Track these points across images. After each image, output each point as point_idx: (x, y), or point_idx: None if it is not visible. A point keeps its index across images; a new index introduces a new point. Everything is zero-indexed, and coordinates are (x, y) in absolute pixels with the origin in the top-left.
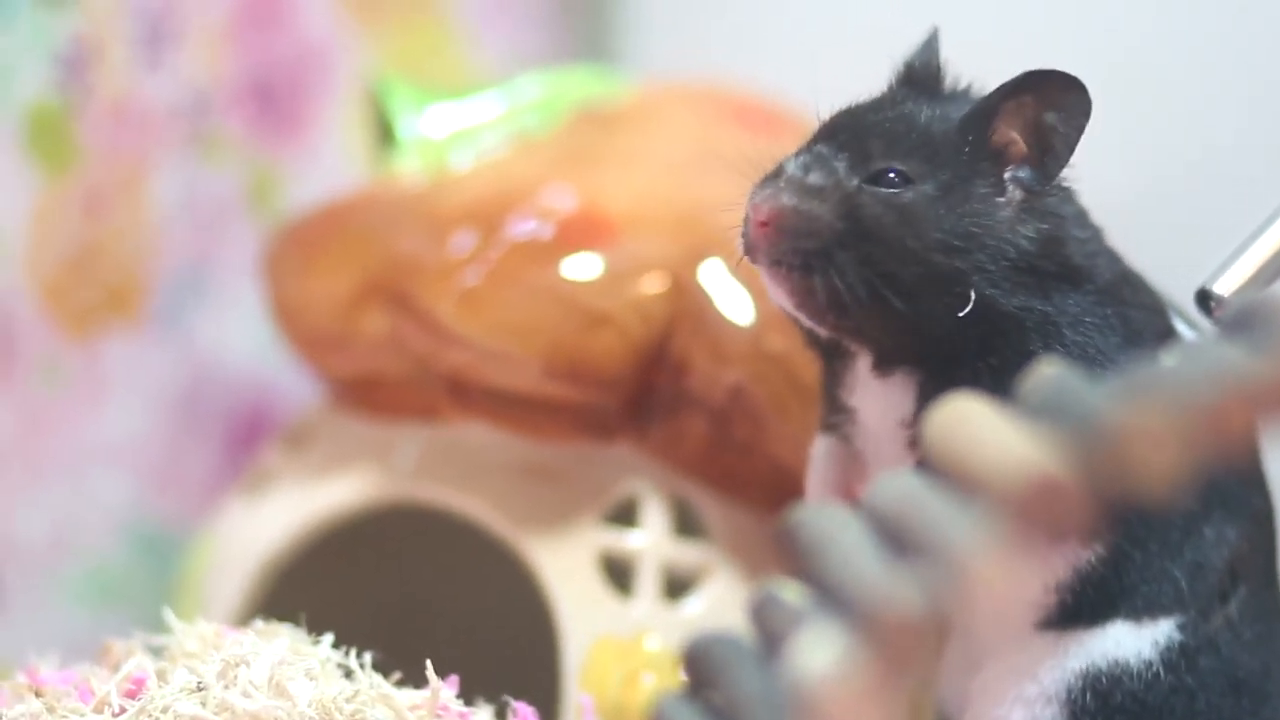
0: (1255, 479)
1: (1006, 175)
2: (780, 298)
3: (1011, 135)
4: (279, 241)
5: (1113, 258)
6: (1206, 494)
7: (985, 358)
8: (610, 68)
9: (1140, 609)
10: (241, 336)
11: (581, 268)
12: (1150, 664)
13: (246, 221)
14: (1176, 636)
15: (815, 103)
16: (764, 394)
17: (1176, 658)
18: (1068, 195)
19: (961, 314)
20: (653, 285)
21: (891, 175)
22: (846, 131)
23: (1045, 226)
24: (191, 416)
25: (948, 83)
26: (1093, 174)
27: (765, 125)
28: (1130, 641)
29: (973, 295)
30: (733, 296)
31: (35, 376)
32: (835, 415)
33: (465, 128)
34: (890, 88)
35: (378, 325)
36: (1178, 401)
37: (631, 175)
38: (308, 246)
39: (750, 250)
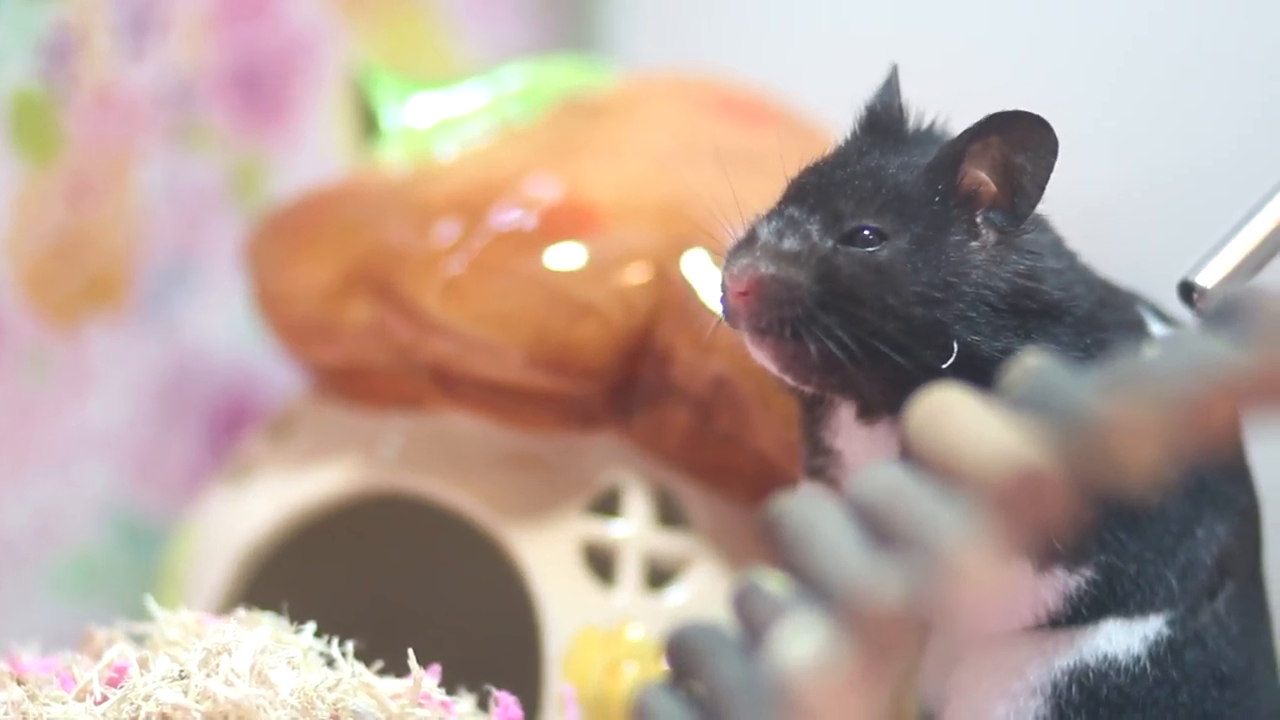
0: (1241, 475)
1: (978, 218)
2: (765, 361)
3: (980, 177)
4: (263, 231)
5: (1089, 282)
6: (1197, 493)
7: None
8: (595, 58)
9: (1132, 609)
10: (225, 326)
11: (565, 257)
12: (1138, 659)
13: (230, 211)
14: (1165, 632)
15: (799, 94)
16: (747, 385)
17: (1164, 652)
18: (1041, 224)
19: (946, 365)
20: (636, 275)
21: (866, 233)
22: (816, 192)
23: (1021, 266)
24: (175, 405)
25: (911, 123)
26: (1080, 167)
27: (749, 116)
28: (1121, 638)
29: (955, 346)
30: (716, 287)
31: (18, 366)
32: (819, 458)
33: (449, 117)
34: (854, 135)
35: (361, 315)
36: (1161, 394)
37: (615, 166)
38: (292, 236)
39: (731, 318)
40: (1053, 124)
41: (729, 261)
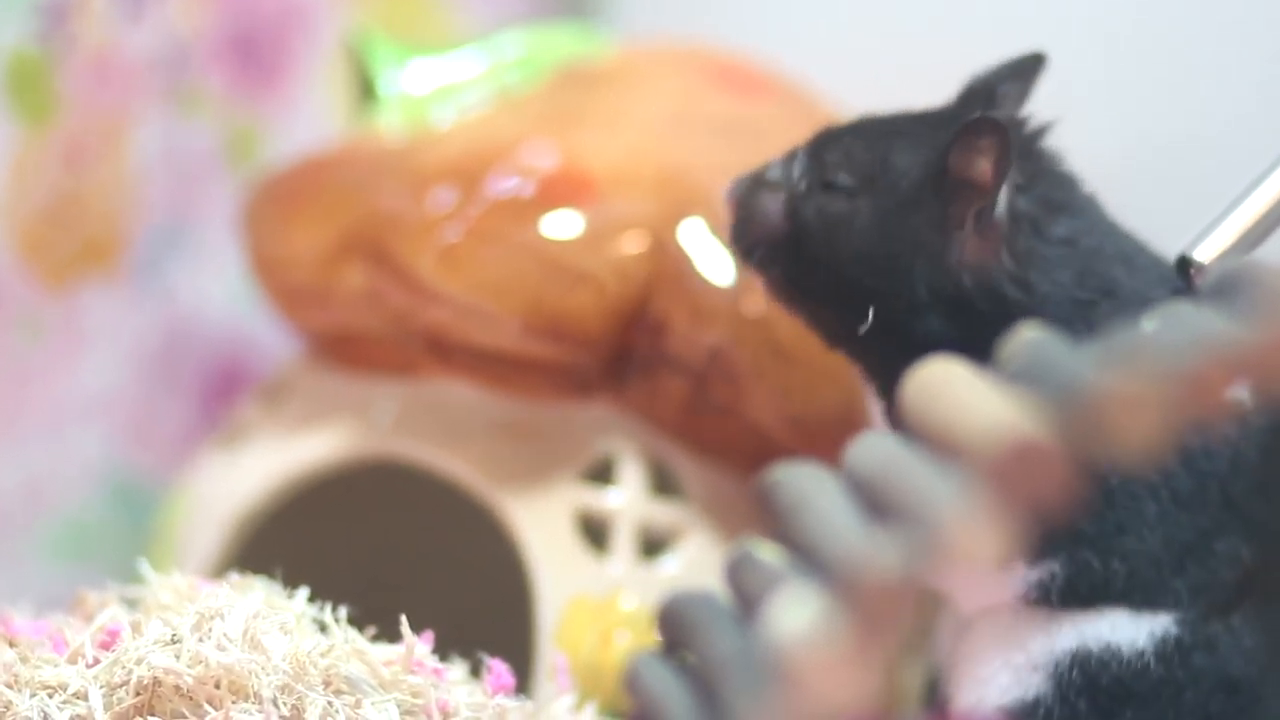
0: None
1: (959, 212)
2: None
3: (967, 174)
4: (258, 196)
5: (1065, 285)
6: (1221, 508)
7: None
8: (593, 27)
9: (1140, 603)
10: (220, 290)
11: (562, 226)
12: (1142, 653)
13: (226, 175)
14: (1174, 631)
15: (798, 64)
16: (742, 355)
17: (1171, 651)
18: (1040, 229)
19: (863, 330)
20: (633, 244)
21: (837, 185)
22: (826, 141)
23: (994, 268)
24: (169, 370)
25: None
26: (1080, 140)
27: (747, 87)
28: (1126, 629)
29: (870, 314)
30: (713, 257)
31: (11, 329)
32: None
33: (447, 84)
34: (932, 107)
35: (356, 281)
36: (1158, 367)
37: (613, 134)
38: (287, 201)
39: (728, 240)
40: (1049, 107)
41: (731, 184)
